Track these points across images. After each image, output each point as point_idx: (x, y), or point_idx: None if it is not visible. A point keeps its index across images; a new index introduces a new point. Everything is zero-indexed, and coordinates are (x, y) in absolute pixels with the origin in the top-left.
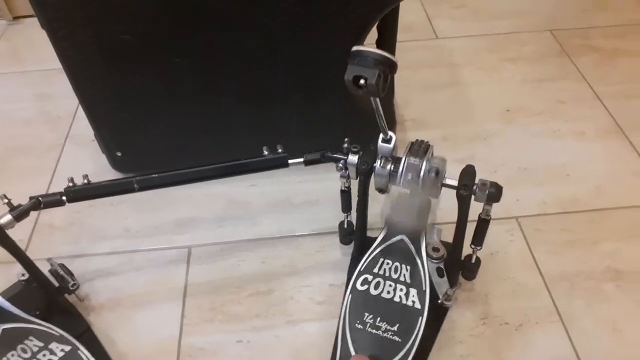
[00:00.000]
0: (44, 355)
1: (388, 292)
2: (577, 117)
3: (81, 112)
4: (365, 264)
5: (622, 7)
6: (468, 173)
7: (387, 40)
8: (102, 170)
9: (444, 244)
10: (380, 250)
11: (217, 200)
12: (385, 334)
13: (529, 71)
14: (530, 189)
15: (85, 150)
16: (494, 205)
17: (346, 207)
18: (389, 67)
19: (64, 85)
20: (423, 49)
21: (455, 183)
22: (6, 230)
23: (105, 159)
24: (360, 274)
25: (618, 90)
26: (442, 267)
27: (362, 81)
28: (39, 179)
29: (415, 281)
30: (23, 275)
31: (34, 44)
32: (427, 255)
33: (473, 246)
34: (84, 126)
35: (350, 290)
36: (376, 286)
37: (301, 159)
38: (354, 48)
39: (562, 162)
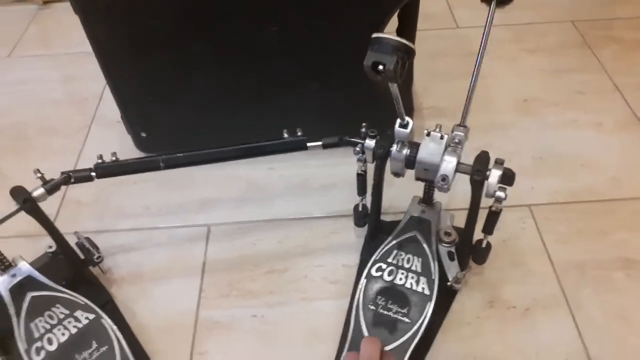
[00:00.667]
0: (69, 322)
1: (400, 279)
2: (596, 108)
3: (107, 94)
4: (380, 254)
5: None
6: (482, 159)
7: (407, 28)
8: (127, 150)
9: (456, 229)
10: (395, 243)
11: (237, 182)
12: (395, 315)
13: (548, 62)
14: (544, 178)
15: (110, 131)
16: (508, 192)
17: (361, 191)
18: (407, 54)
19: (91, 68)
20: (443, 38)
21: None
22: (38, 203)
23: (130, 140)
24: (375, 262)
25: (638, 82)
26: (453, 250)
27: (380, 67)
28: (66, 157)
29: (425, 271)
30: (50, 247)
31: (63, 28)
32: (439, 239)
33: (484, 233)
34: (109, 108)
35: (365, 276)
36: (389, 273)
37: (320, 142)
38: (374, 35)
39: (577, 152)
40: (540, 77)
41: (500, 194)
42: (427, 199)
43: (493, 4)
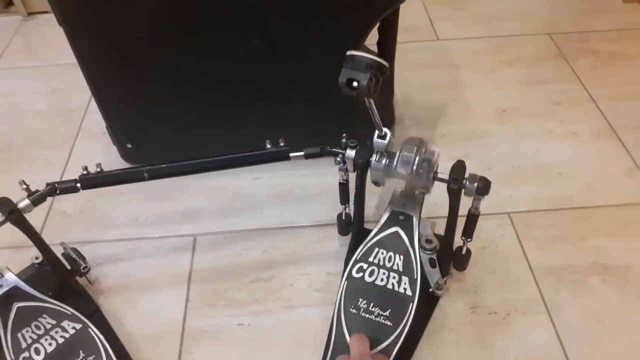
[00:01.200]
0: (57, 332)
1: (382, 280)
2: (572, 118)
3: (93, 106)
4: (361, 253)
5: (620, 11)
6: (458, 168)
7: (387, 41)
8: (112, 161)
9: (437, 236)
10: (376, 241)
11: (222, 192)
12: (377, 319)
13: (526, 73)
14: (522, 186)
15: (96, 142)
16: (487, 201)
17: (344, 199)
18: (380, 71)
19: (76, 80)
20: (424, 50)
21: (446, 177)
22: (24, 214)
23: (116, 151)
24: (356, 262)
25: (612, 93)
26: (434, 257)
27: (354, 84)
28: (52, 168)
29: (407, 270)
30: (37, 258)
31: (48, 39)
32: (420, 246)
33: (463, 238)
34: (95, 119)
35: (346, 277)
36: (370, 274)
37: (302, 152)
38: (348, 53)
39: (554, 161)
40: (518, 88)
41: (476, 202)
42: (408, 192)
43: None
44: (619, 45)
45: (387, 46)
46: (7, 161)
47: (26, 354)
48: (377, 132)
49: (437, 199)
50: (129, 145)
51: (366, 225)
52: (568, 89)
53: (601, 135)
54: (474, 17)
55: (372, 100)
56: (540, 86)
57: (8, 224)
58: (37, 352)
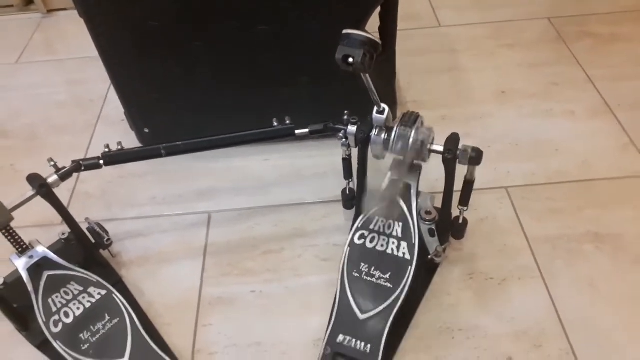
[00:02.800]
0: (84, 297)
1: (382, 245)
2: (569, 98)
3: (111, 96)
4: (362, 222)
5: None
6: (452, 139)
7: (387, 27)
8: (130, 145)
9: (436, 209)
10: (377, 208)
11: (234, 173)
12: (378, 281)
13: (525, 56)
14: (520, 162)
15: (115, 129)
16: (485, 176)
17: (347, 174)
18: (373, 47)
19: (94, 72)
20: (426, 36)
21: (441, 149)
22: (52, 189)
23: (134, 137)
24: (357, 230)
25: (610, 73)
26: (433, 228)
27: (350, 59)
28: (75, 154)
29: (406, 236)
30: (63, 234)
31: (67, 35)
32: (420, 217)
33: (460, 207)
34: (113, 108)
35: (349, 244)
36: (371, 240)
37: (307, 130)
38: (344, 31)
39: (552, 138)
40: (517, 70)
41: (471, 169)
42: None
43: None
44: (617, 27)
45: (388, 31)
46: (32, 149)
47: (56, 317)
48: (375, 107)
49: (437, 176)
50: (146, 130)
51: None
52: (566, 71)
53: (598, 114)
54: (475, 4)
55: (367, 76)
56: (539, 68)
57: (37, 200)
58: (67, 315)
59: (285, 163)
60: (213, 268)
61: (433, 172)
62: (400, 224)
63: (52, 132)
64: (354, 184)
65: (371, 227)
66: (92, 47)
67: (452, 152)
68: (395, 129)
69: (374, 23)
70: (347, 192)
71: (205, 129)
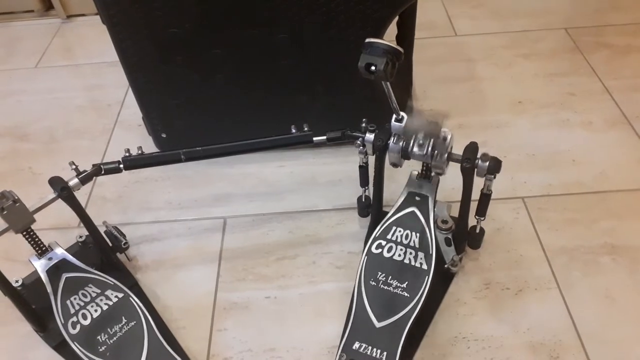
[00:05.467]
0: (101, 300)
1: (399, 255)
2: (586, 108)
3: (128, 101)
4: (379, 232)
5: (635, 7)
6: (471, 148)
7: (405, 35)
8: (148, 151)
9: (453, 218)
10: (394, 220)
11: (249, 179)
12: (395, 290)
13: (541, 66)
14: (537, 172)
15: (132, 133)
16: (501, 186)
17: (364, 182)
18: (396, 56)
19: (112, 78)
20: (442, 45)
21: (459, 157)
22: (73, 192)
23: (151, 141)
24: (375, 239)
25: (627, 84)
26: (450, 237)
27: (372, 67)
28: (92, 158)
29: (423, 246)
30: (80, 237)
31: (85, 40)
32: (437, 226)
33: (477, 217)
34: (131, 113)
35: (366, 253)
36: (389, 250)
37: (324, 137)
38: (367, 40)
39: (569, 149)
40: (534, 80)
41: (489, 175)
42: (425, 174)
43: None
44: (634, 38)
45: (405, 39)
46: (51, 152)
47: (74, 319)
48: (394, 115)
49: (453, 185)
50: (164, 135)
51: (384, 209)
52: (583, 81)
53: (615, 125)
54: (491, 14)
55: (389, 84)
56: (556, 78)
57: (54, 203)
58: (84, 317)
59: (300, 170)
60: (228, 273)
61: (449, 181)
62: (418, 234)
63: (70, 136)
64: (369, 192)
65: (388, 237)
66: (110, 52)
67: (471, 161)
68: (413, 137)
69: (390, 33)
70: (363, 200)
71: (223, 135)
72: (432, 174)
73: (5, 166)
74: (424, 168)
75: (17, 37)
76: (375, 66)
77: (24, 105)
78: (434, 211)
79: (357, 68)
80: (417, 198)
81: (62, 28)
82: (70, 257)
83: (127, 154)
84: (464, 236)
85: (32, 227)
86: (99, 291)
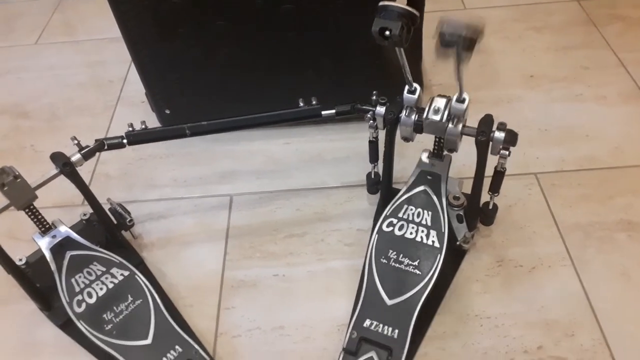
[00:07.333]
0: (106, 278)
1: (411, 233)
2: (600, 82)
3: (131, 77)
4: (391, 210)
5: None
6: (486, 121)
7: (415, 6)
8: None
9: (464, 194)
10: (405, 199)
11: (255, 156)
12: (407, 268)
13: (553, 40)
14: (549, 148)
15: (135, 110)
16: (514, 162)
17: (373, 158)
18: (411, 20)
19: (113, 54)
20: None
21: (474, 130)
22: (76, 168)
23: (154, 118)
24: (386, 217)
25: None
26: (461, 213)
27: (387, 32)
28: (95, 135)
29: (435, 224)
30: (84, 215)
31: (85, 16)
32: (448, 203)
33: (490, 193)
34: (133, 89)
35: (377, 231)
36: (400, 228)
37: (333, 110)
38: (380, 3)
39: (582, 124)
40: (546, 54)
41: (504, 152)
42: (436, 153)
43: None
44: None
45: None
46: (53, 129)
47: (79, 297)
48: (407, 87)
49: (464, 161)
50: (167, 111)
51: (393, 186)
52: (597, 54)
53: (630, 99)
54: None
55: (402, 51)
56: (569, 52)
57: (57, 181)
58: (90, 295)
59: (306, 147)
60: (235, 251)
61: (460, 157)
62: (430, 212)
63: (72, 113)
64: (378, 168)
65: (400, 215)
66: (111, 28)
67: (486, 134)
68: (429, 103)
69: None
70: (372, 177)
71: (227, 110)
72: (444, 152)
73: (7, 144)
74: (436, 146)
75: (17, 13)
76: (390, 31)
77: (24, 82)
78: (446, 190)
79: (366, 39)
80: (429, 177)
81: (62, 4)
82: (74, 235)
83: (131, 129)
84: (477, 213)
85: (35, 204)
86: (104, 269)
